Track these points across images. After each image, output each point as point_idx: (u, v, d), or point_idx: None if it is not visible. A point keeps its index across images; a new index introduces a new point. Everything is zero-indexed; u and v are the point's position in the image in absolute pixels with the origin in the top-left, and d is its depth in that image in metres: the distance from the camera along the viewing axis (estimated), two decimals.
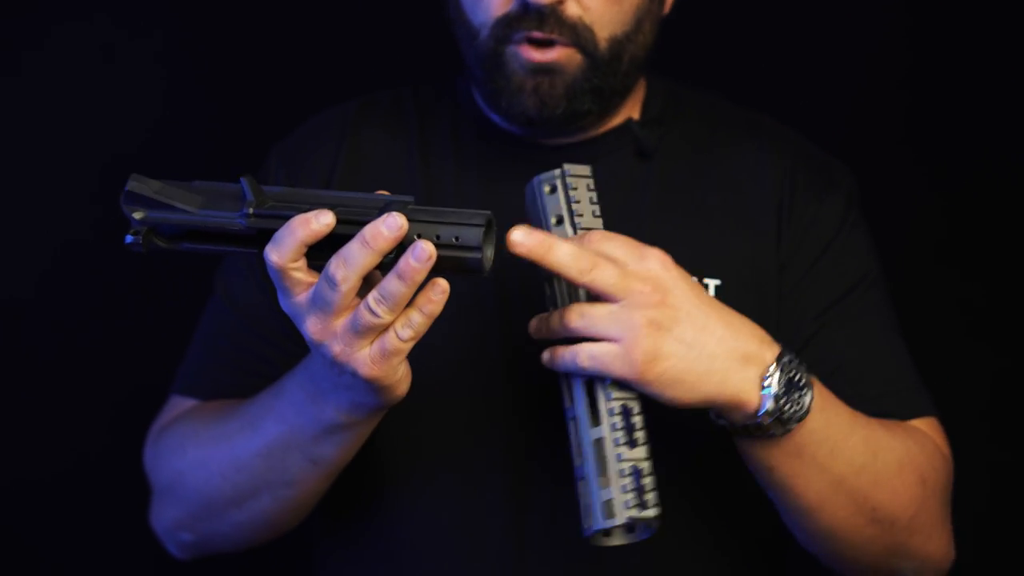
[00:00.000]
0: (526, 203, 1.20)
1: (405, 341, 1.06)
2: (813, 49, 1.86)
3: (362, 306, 1.05)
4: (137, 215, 1.08)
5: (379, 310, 1.04)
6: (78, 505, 1.86)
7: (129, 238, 1.08)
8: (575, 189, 1.17)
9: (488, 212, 1.07)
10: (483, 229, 1.05)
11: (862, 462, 1.21)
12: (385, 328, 1.06)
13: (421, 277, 1.03)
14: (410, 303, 1.05)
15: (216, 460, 1.26)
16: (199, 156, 1.84)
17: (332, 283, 1.04)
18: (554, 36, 1.26)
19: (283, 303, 1.08)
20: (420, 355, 1.12)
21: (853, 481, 1.21)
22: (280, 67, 1.86)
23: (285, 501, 1.25)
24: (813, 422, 1.17)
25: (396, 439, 1.30)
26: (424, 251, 1.03)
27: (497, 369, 1.30)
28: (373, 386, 1.10)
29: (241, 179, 1.07)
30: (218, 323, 1.39)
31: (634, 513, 1.11)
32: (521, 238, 1.10)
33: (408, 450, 1.30)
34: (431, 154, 1.37)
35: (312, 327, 1.07)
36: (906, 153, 1.87)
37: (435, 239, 1.05)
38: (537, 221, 1.18)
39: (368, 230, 1.03)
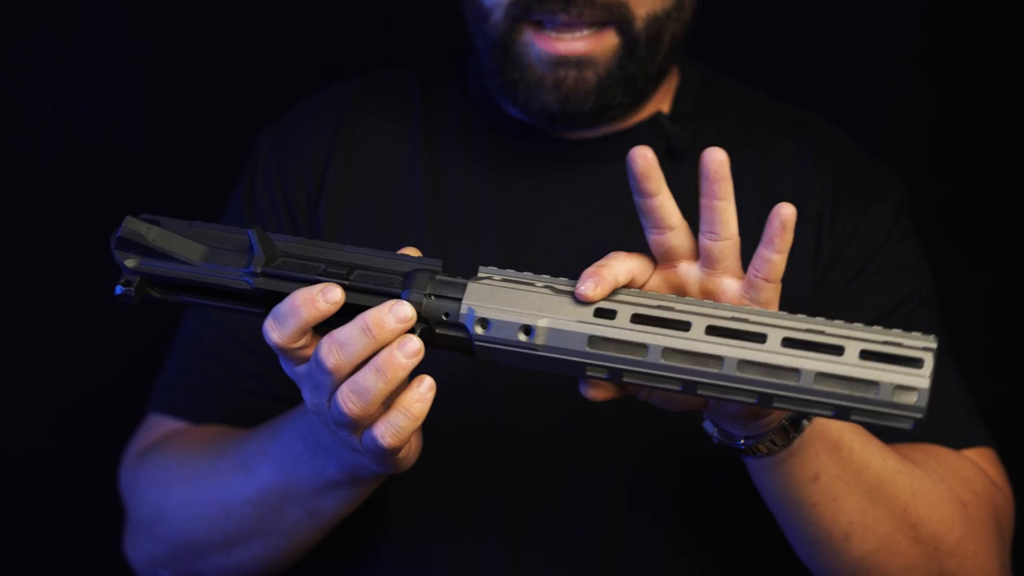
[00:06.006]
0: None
1: (392, 445, 0.95)
2: (844, 49, 1.77)
3: (335, 398, 0.94)
4: (130, 263, 0.98)
5: (351, 407, 0.93)
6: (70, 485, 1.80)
7: (120, 288, 0.98)
8: None
9: None
10: None
11: (895, 465, 1.09)
12: (370, 420, 0.95)
13: (405, 375, 0.93)
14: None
15: (203, 502, 1.17)
16: (189, 139, 1.74)
17: (322, 369, 0.94)
18: (583, 19, 1.15)
19: (284, 367, 0.99)
20: None
21: (890, 488, 1.08)
22: (273, 42, 1.75)
23: (278, 549, 1.17)
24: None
25: (394, 484, 1.20)
26: (413, 347, 0.92)
27: (499, 416, 1.20)
28: (377, 458, 1.01)
29: (249, 231, 0.97)
30: (200, 331, 1.28)
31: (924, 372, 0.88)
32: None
33: (405, 495, 1.22)
34: (436, 145, 1.27)
35: (309, 400, 0.98)
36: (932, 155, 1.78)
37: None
38: None
39: (371, 316, 0.92)
